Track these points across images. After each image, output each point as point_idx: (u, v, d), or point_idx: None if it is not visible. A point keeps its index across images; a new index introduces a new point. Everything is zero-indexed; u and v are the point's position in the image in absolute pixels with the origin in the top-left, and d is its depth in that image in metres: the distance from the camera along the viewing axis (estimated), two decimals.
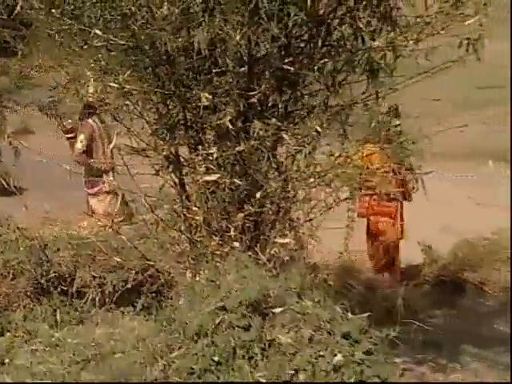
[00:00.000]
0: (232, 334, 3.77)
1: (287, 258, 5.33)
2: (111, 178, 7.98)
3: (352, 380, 3.67)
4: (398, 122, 7.23)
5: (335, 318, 3.97)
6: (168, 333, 3.99)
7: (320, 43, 4.75)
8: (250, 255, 4.77)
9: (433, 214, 8.43)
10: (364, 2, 4.84)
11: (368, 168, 7.28)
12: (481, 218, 8.16)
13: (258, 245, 5.10)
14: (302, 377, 3.65)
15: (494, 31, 5.05)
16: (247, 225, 5.02)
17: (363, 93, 5.23)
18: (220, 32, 4.20)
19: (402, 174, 7.83)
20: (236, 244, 5.01)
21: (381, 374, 3.74)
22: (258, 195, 4.79)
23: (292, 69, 4.70)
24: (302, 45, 4.87)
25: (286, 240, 5.20)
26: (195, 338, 3.88)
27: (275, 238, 5.11)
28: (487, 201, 8.93)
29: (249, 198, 4.91)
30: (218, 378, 3.77)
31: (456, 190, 8.56)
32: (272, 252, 5.10)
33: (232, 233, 5.00)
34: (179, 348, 3.89)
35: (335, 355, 3.72)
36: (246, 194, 4.83)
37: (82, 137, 8.10)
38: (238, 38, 4.22)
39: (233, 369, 3.76)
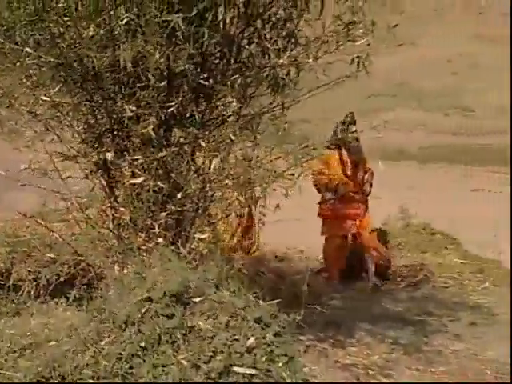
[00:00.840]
0: (157, 322, 3.68)
1: (206, 250, 5.27)
2: None
3: (263, 359, 3.59)
4: (354, 129, 7.25)
5: (248, 305, 3.93)
6: (98, 322, 3.86)
7: (232, 60, 4.70)
8: (172, 250, 4.68)
9: None
10: (270, 24, 4.80)
11: (325, 172, 7.24)
12: (372, 210, 8.21)
13: (180, 240, 4.99)
14: (219, 358, 3.59)
15: (380, 49, 5.14)
16: (170, 222, 4.94)
17: (270, 103, 5.17)
18: (142, 51, 4.10)
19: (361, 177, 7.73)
20: (160, 240, 4.91)
21: (288, 352, 3.70)
22: (179, 196, 4.73)
23: (207, 83, 4.62)
24: (216, 62, 4.80)
25: (205, 235, 5.13)
26: (123, 326, 3.77)
27: (195, 233, 5.04)
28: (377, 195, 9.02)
29: (171, 198, 4.84)
30: (144, 361, 3.70)
31: None
32: (192, 246, 5.02)
33: (156, 230, 4.91)
34: (109, 336, 3.78)
35: (248, 338, 3.67)
36: (169, 194, 4.75)
37: None
38: (157, 56, 4.15)
39: (157, 353, 3.66)
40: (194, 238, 5.10)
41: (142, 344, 3.70)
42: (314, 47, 4.88)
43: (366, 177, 7.55)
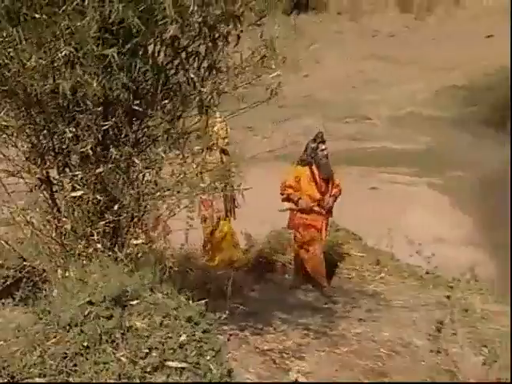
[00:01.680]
0: (98, 323, 3.63)
1: (140, 254, 5.25)
2: None
3: (193, 354, 3.61)
4: (324, 147, 7.22)
5: (180, 306, 3.94)
6: (44, 323, 3.78)
7: (161, 88, 4.68)
8: (109, 255, 4.72)
9: (254, 209, 8.54)
10: (193, 56, 4.82)
11: (295, 187, 7.17)
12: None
13: (117, 245, 4.91)
14: (154, 354, 3.59)
15: (290, 78, 5.23)
16: (107, 230, 4.82)
17: (196, 123, 5.18)
18: (80, 80, 4.04)
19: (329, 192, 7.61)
20: (98, 245, 4.81)
21: (215, 347, 3.74)
22: (115, 207, 4.66)
23: (139, 108, 4.61)
24: (147, 88, 4.77)
25: (139, 241, 5.10)
26: (67, 327, 3.70)
27: (130, 239, 4.98)
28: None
29: (108, 208, 4.77)
30: (87, 359, 3.64)
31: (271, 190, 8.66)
32: (128, 251, 4.98)
33: (95, 237, 4.80)
34: (54, 336, 3.70)
35: (180, 336, 3.68)
36: (106, 206, 4.68)
37: None
38: (94, 85, 4.08)
39: (99, 351, 3.62)
40: (130, 243, 4.96)
41: (85, 343, 3.64)
42: (234, 77, 4.87)
43: (333, 192, 7.50)
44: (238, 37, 4.74)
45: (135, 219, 5.06)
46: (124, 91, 4.38)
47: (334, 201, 7.67)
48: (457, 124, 25.74)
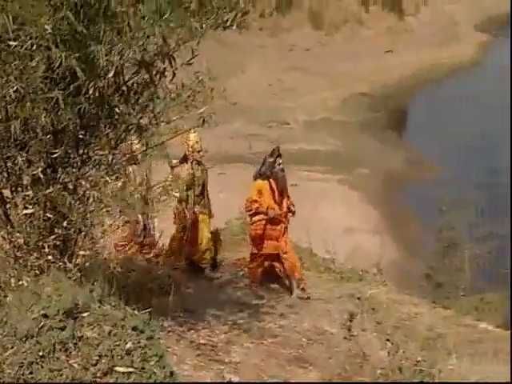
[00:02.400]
0: (52, 335, 3.61)
1: (87, 264, 5.23)
2: None
3: (139, 360, 3.71)
4: (280, 161, 7.21)
5: (126, 316, 3.95)
6: (2, 335, 3.75)
7: (104, 119, 4.71)
8: (60, 265, 4.74)
9: None
10: (133, 90, 4.84)
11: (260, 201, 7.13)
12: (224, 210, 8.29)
13: (66, 256, 4.94)
14: (103, 361, 3.63)
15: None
16: (57, 243, 4.82)
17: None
18: (31, 114, 4.03)
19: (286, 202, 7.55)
20: (49, 257, 4.79)
21: (158, 352, 3.79)
22: (64, 223, 4.63)
23: (85, 137, 4.62)
24: (91, 119, 4.79)
25: (87, 252, 5.10)
26: (24, 339, 3.67)
27: (78, 251, 4.97)
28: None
29: (58, 224, 4.75)
30: (42, 367, 3.63)
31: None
32: (77, 262, 4.97)
33: (46, 249, 4.79)
34: (12, 347, 3.67)
35: (127, 343, 3.69)
36: (56, 221, 4.66)
37: None
38: (43, 118, 4.08)
39: (53, 360, 3.62)
40: (78, 255, 4.96)
41: (40, 353, 3.61)
42: (167, 111, 4.93)
43: (289, 202, 7.60)
44: (174, 74, 4.86)
45: (83, 233, 4.95)
46: (70, 123, 4.36)
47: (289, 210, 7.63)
48: (363, 128, 26.54)
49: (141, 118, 4.78)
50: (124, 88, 4.67)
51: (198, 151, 7.58)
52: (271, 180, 7.28)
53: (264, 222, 7.42)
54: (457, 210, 15.67)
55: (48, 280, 4.19)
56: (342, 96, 24.67)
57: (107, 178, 4.70)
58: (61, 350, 3.68)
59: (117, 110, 4.76)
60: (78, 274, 4.63)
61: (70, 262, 4.87)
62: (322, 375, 5.88)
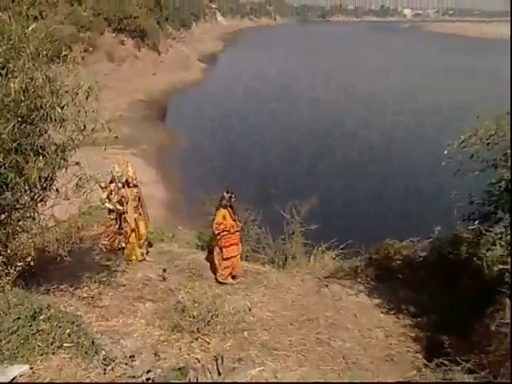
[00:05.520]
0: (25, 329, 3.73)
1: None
2: None
3: (75, 338, 3.72)
4: (234, 196, 6.73)
5: (62, 313, 4.03)
6: None
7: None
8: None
9: None
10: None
11: (223, 222, 6.75)
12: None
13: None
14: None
15: None
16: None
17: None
18: None
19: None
20: None
21: (82, 331, 3.91)
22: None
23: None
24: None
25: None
26: (7, 332, 3.60)
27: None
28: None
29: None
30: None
31: None
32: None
33: None
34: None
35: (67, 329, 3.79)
36: None
37: None
38: None
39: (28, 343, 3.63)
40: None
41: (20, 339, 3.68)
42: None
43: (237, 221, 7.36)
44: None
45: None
46: None
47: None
48: (142, 120, 26.34)
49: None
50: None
51: (135, 178, 7.40)
52: (229, 208, 7.10)
53: (229, 235, 7.05)
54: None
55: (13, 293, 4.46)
56: (129, 101, 26.90)
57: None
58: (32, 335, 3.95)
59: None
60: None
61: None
62: (154, 304, 5.79)
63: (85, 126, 4.55)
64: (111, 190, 7.08)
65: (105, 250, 7.37)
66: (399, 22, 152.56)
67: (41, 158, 4.40)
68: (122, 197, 7.02)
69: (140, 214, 7.40)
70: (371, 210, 14.53)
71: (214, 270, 6.93)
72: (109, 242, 7.43)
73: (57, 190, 4.56)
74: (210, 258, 7.14)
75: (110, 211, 7.24)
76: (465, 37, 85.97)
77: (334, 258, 7.39)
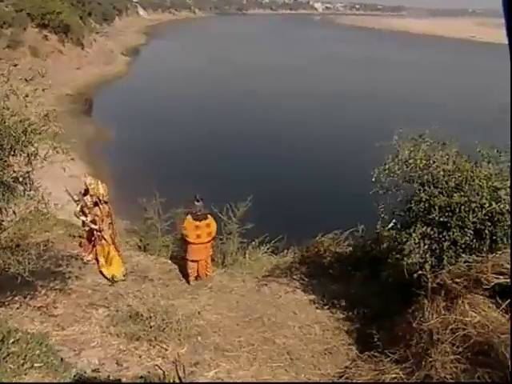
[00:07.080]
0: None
1: None
2: None
3: (45, 358, 3.82)
4: (202, 204, 6.78)
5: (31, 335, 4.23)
6: None
7: None
8: None
9: None
10: None
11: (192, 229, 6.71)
12: None
13: None
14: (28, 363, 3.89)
15: None
16: None
17: None
18: None
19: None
20: None
21: (48, 351, 4.12)
22: None
23: None
24: None
25: None
26: None
27: None
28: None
29: None
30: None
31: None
32: None
33: None
34: None
35: (36, 351, 3.91)
36: None
37: None
38: None
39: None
40: None
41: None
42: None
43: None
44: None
45: None
46: None
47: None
48: (69, 114, 25.16)
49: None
50: None
51: (106, 195, 7.15)
52: (200, 218, 7.06)
53: (198, 245, 6.99)
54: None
55: None
56: (56, 95, 25.50)
57: None
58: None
59: None
60: None
61: None
62: (106, 310, 5.65)
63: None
64: (85, 203, 6.73)
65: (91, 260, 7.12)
66: (312, 15, 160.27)
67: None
68: (96, 215, 6.76)
69: (113, 230, 7.13)
70: (303, 210, 14.68)
71: (159, 272, 6.88)
72: (88, 253, 7.03)
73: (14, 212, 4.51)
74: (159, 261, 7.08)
75: (84, 223, 6.92)
76: (377, 30, 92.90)
77: (265, 252, 7.60)
